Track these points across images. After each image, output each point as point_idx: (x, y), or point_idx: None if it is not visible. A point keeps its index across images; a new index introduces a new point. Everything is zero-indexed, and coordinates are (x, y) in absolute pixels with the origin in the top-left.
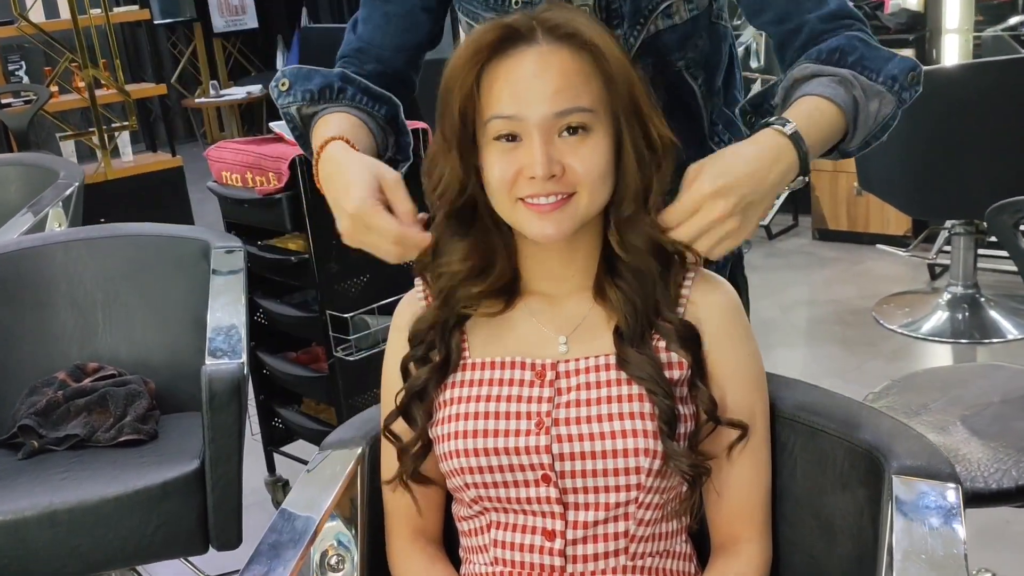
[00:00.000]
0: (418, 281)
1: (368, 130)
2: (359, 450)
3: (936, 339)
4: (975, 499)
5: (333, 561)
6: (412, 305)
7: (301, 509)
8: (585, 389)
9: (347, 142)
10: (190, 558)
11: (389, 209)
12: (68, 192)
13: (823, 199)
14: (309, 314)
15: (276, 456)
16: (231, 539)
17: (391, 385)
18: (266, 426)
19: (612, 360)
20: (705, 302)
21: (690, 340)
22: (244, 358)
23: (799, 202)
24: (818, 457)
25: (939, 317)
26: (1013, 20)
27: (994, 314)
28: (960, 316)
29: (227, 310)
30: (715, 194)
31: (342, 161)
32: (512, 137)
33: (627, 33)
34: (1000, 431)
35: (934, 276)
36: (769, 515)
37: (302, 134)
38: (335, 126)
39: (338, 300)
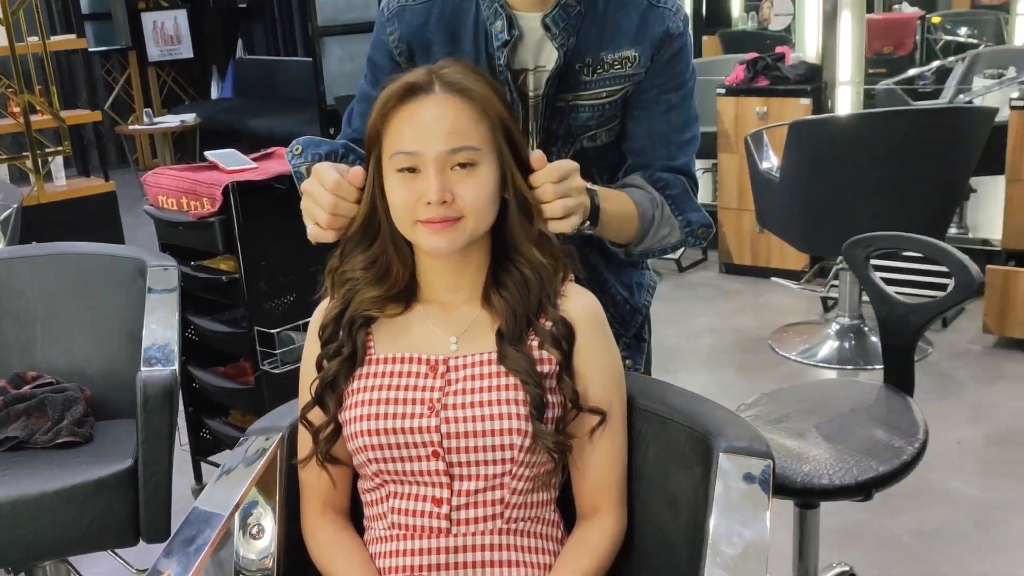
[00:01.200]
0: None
1: None
2: (279, 435)
3: (825, 365)
4: (823, 494)
5: (255, 531)
6: (324, 307)
7: (228, 483)
8: (470, 380)
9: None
10: (121, 552)
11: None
12: (6, 213)
13: (729, 236)
14: (238, 330)
15: (203, 465)
16: (160, 533)
17: (307, 379)
18: (194, 437)
19: (494, 357)
20: (574, 309)
21: (561, 339)
22: (175, 367)
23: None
24: (666, 442)
25: (830, 346)
26: (912, 72)
27: (875, 341)
28: (847, 344)
29: (161, 324)
30: (556, 183)
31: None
32: (412, 169)
33: (560, 149)
34: (846, 436)
35: (827, 308)
36: (625, 490)
37: None
38: None
39: (265, 317)
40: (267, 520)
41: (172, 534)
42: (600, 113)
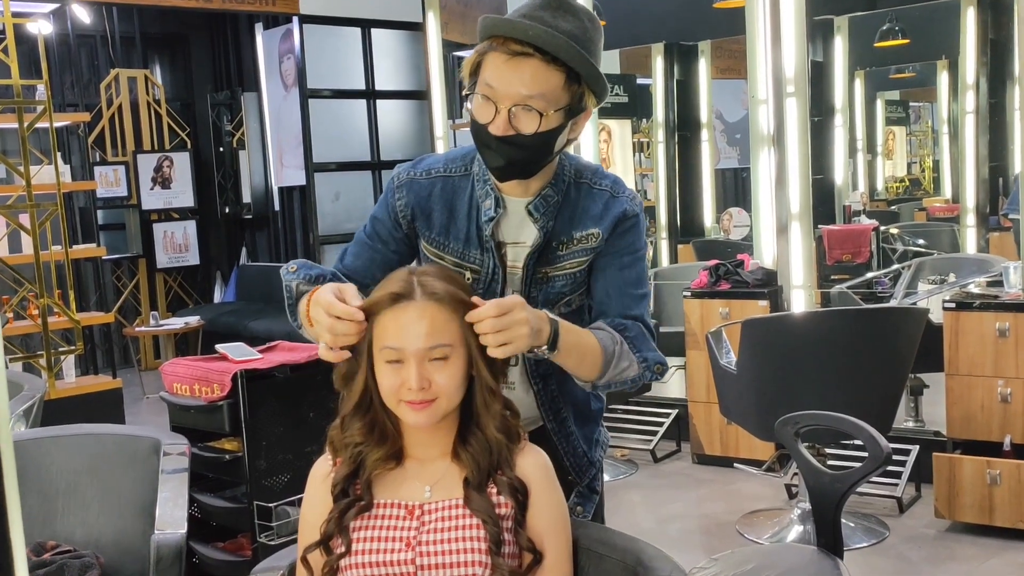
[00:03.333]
0: (328, 452)
1: None
2: (281, 572)
3: None
4: None
5: None
6: (323, 466)
7: None
8: (441, 521)
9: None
10: None
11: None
12: (30, 403)
13: (700, 427)
14: (238, 505)
15: None
16: None
17: (307, 523)
18: None
19: (460, 502)
20: (527, 464)
21: (516, 490)
22: (184, 532)
23: (681, 430)
24: (604, 574)
25: (795, 530)
26: (868, 275)
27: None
28: (810, 528)
29: (173, 494)
30: (495, 317)
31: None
32: (397, 360)
33: None
34: None
35: (791, 495)
36: None
37: (292, 304)
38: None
39: (264, 493)
40: None
41: None
42: (572, 280)
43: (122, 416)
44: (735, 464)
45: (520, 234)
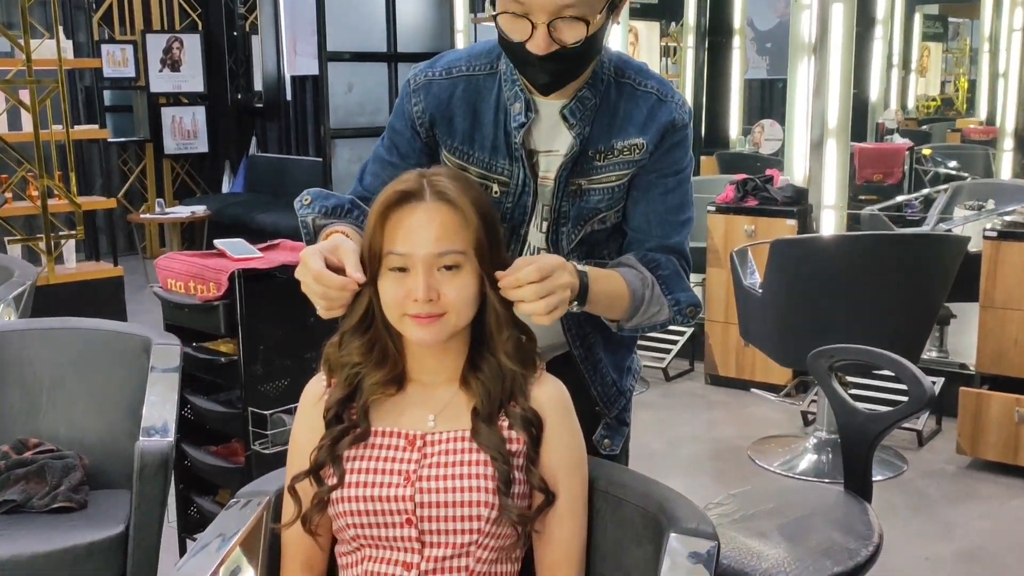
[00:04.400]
0: (322, 372)
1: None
2: (266, 499)
3: (803, 479)
4: None
5: None
6: (317, 387)
7: (216, 538)
8: (445, 455)
9: (346, 234)
10: None
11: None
12: (20, 290)
13: (715, 348)
14: (232, 410)
15: (189, 543)
16: None
17: (297, 451)
18: (182, 514)
19: (467, 434)
20: (543, 397)
21: (530, 424)
22: (172, 440)
23: (695, 349)
24: (622, 521)
25: (808, 459)
26: (899, 199)
27: None
28: (824, 458)
29: (161, 399)
30: (537, 282)
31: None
32: (403, 269)
33: (570, 230)
34: (805, 538)
35: (807, 423)
36: (583, 566)
37: (312, 239)
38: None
39: (260, 399)
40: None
41: None
42: (610, 196)
43: (123, 306)
44: (752, 389)
45: (553, 141)
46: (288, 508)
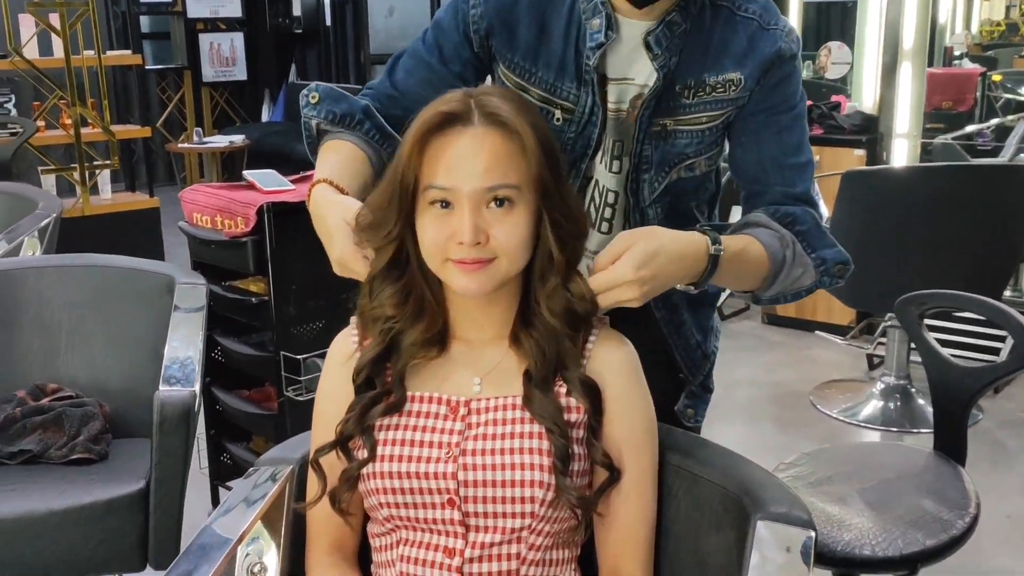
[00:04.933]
0: (353, 321)
1: (368, 163)
2: (289, 468)
3: (868, 426)
4: (864, 566)
5: (256, 569)
6: (345, 344)
7: (231, 515)
8: (492, 425)
9: (332, 184)
10: None
11: None
12: (45, 222)
13: None
14: (264, 353)
15: (221, 491)
16: (168, 559)
17: (324, 418)
18: (215, 461)
19: (518, 401)
20: (607, 358)
21: (592, 389)
22: (196, 388)
23: None
24: (697, 501)
25: (873, 405)
26: (970, 128)
27: (923, 403)
28: (892, 405)
29: (185, 342)
30: (634, 281)
31: (323, 206)
32: (446, 204)
33: (653, 177)
34: (891, 505)
35: (872, 366)
36: (652, 551)
37: (313, 143)
38: (332, 160)
39: (292, 342)
40: (270, 558)
41: (170, 567)
42: (699, 140)
43: (159, 239)
44: (817, 332)
45: (630, 68)
46: (313, 483)
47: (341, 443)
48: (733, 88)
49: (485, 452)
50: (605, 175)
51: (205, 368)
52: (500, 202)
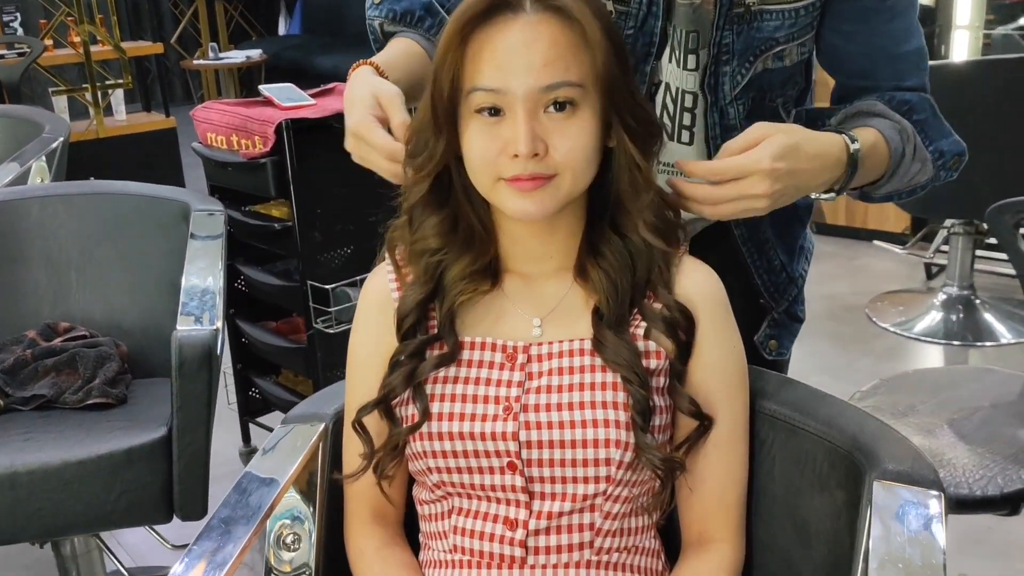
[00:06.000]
0: (387, 261)
1: (426, 60)
2: (322, 426)
3: (929, 340)
4: (959, 506)
5: (289, 540)
6: (381, 284)
7: (257, 484)
8: (557, 375)
9: (375, 67)
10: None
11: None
12: (52, 146)
13: None
14: (290, 283)
15: (252, 427)
16: (196, 510)
17: (359, 368)
18: (243, 396)
19: (587, 345)
20: (690, 289)
21: (678, 325)
22: (218, 325)
23: None
24: (797, 456)
25: (933, 317)
26: None
27: (988, 317)
28: (954, 317)
29: (203, 275)
30: (770, 172)
31: (355, 83)
32: (495, 111)
33: (735, 70)
34: (988, 437)
35: (930, 276)
36: (743, 515)
37: (381, 47)
38: (389, 52)
39: (320, 270)
40: (304, 528)
41: (192, 543)
42: (792, 22)
43: (177, 160)
44: (875, 241)
45: None
46: (351, 445)
47: (384, 403)
48: None
49: (550, 407)
50: (678, 74)
51: (228, 299)
52: (560, 106)
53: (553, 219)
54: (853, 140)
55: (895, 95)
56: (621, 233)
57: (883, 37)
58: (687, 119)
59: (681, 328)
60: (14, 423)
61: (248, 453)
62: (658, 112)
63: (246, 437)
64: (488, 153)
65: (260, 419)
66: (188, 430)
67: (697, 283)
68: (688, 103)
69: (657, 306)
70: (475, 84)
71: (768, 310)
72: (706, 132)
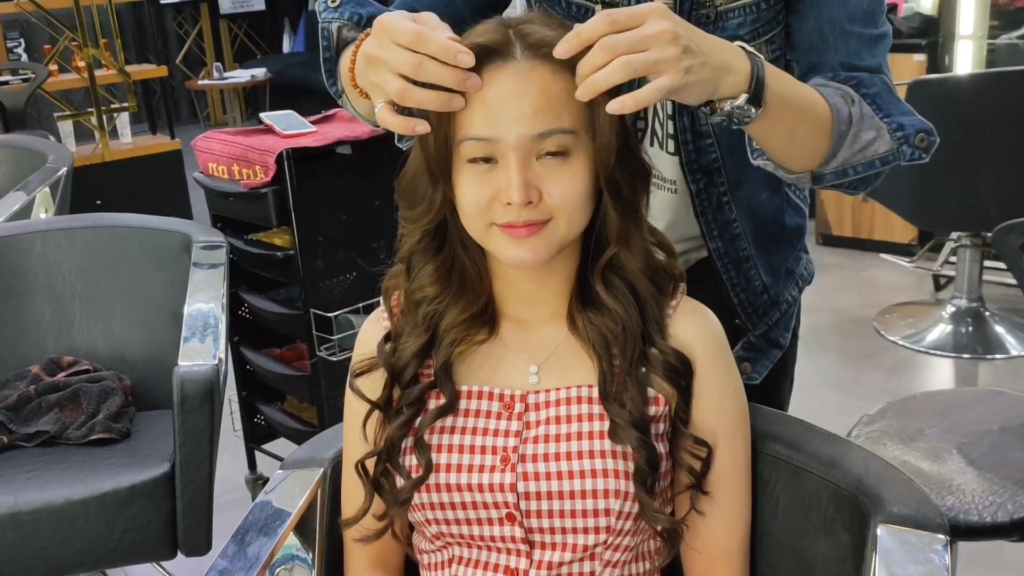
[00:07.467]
0: (383, 310)
1: None
2: (320, 471)
3: (937, 353)
4: (968, 532)
5: None
6: (377, 328)
7: (256, 532)
8: (555, 423)
9: None
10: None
11: None
12: (56, 176)
13: (828, 204)
14: (293, 311)
15: (257, 454)
16: (200, 545)
17: (356, 417)
18: (248, 423)
19: (584, 392)
20: (688, 333)
21: (677, 373)
22: (220, 358)
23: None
24: (801, 498)
25: (941, 330)
26: None
27: (998, 329)
28: (963, 330)
29: (205, 306)
30: (665, 13)
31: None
32: (487, 159)
33: None
34: (997, 461)
35: (938, 287)
36: (747, 558)
37: (332, 57)
38: None
39: (323, 298)
40: (304, 574)
41: None
42: (755, 17)
43: (183, 182)
44: (882, 255)
45: None
46: (350, 491)
47: (388, 457)
48: None
49: (548, 457)
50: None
51: (232, 327)
52: (554, 154)
53: (548, 265)
54: (750, 48)
55: (842, 73)
56: (619, 276)
57: (836, 11)
58: (672, 127)
59: (682, 375)
60: (18, 460)
61: (254, 480)
62: (649, 118)
63: (252, 464)
64: (481, 200)
65: (266, 446)
66: (191, 466)
67: (696, 326)
68: (671, 109)
69: (657, 352)
70: (467, 133)
71: (743, 331)
72: (676, 137)
